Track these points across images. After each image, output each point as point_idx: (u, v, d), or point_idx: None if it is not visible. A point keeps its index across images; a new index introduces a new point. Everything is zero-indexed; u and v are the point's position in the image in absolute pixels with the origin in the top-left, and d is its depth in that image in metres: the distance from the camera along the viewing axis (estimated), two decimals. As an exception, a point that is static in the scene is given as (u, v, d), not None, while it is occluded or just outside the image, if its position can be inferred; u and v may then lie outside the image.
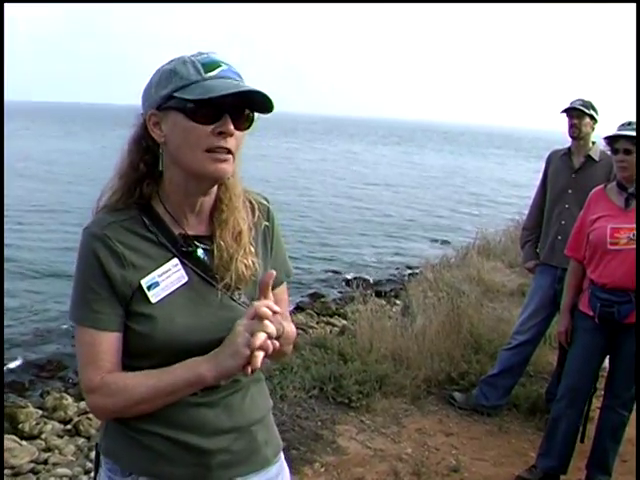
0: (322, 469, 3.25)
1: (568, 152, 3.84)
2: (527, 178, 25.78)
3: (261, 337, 1.18)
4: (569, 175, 3.79)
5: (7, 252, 11.65)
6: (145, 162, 1.30)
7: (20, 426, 5.48)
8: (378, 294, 8.15)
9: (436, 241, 16.73)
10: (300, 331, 7.05)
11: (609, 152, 3.15)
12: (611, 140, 3.00)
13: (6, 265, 10.68)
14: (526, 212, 4.36)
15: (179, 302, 1.28)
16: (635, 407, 3.06)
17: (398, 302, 8.07)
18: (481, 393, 4.01)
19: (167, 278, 1.28)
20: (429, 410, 4.02)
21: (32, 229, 15.38)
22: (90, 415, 5.40)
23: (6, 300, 8.75)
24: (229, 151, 1.23)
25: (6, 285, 9.51)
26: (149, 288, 1.26)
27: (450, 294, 5.55)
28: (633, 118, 2.99)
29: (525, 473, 3.26)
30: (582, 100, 3.74)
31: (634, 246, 2.82)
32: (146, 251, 1.29)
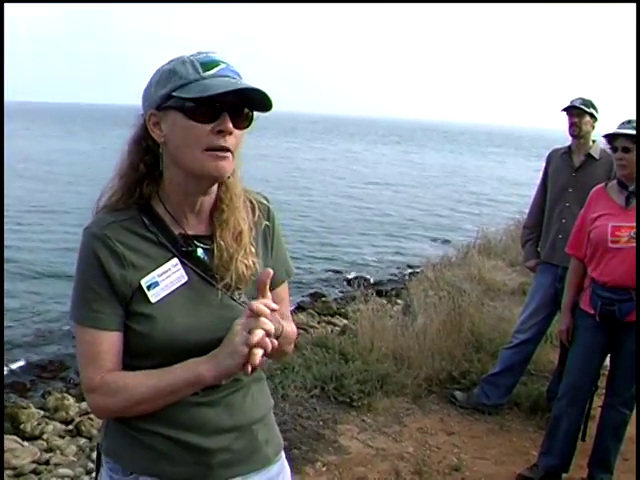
0: (324, 468, 3.26)
1: (568, 151, 3.84)
2: (527, 177, 25.78)
3: (258, 334, 1.18)
4: (569, 174, 3.78)
5: (7, 253, 11.66)
6: (145, 162, 1.30)
7: (22, 426, 5.49)
8: (379, 293, 8.14)
9: (437, 240, 16.75)
10: (301, 331, 7.05)
11: (609, 150, 3.15)
12: (610, 138, 3.01)
13: (6, 266, 10.68)
14: (527, 211, 4.36)
15: (179, 302, 1.28)
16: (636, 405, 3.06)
17: (399, 301, 8.06)
18: (482, 392, 4.01)
19: (167, 278, 1.28)
20: (430, 409, 4.02)
21: (32, 230, 15.39)
22: (91, 415, 5.40)
23: (7, 301, 8.75)
24: (228, 150, 1.24)
25: (6, 286, 9.52)
26: (149, 288, 1.26)
27: (451, 293, 5.55)
28: (633, 116, 2.99)
29: (526, 472, 3.26)
30: (582, 98, 3.74)
31: (635, 244, 2.82)
32: (146, 251, 1.29)
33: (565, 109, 3.75)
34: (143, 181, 1.30)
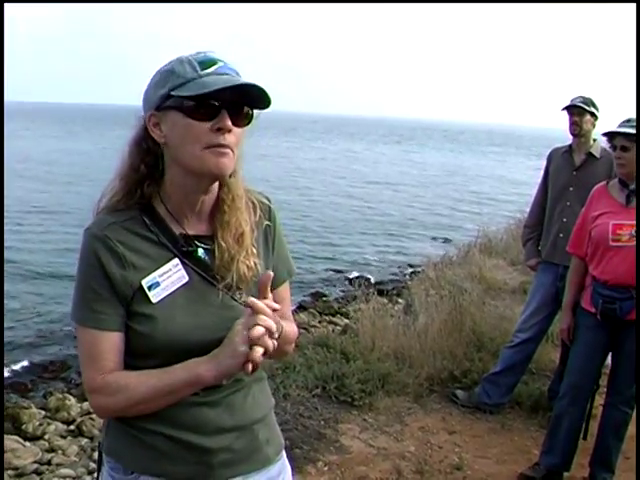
0: (325, 468, 3.26)
1: (569, 149, 3.84)
2: (528, 176, 25.77)
3: (259, 330, 1.18)
4: (570, 172, 3.78)
5: (7, 254, 11.66)
6: (146, 164, 1.30)
7: (23, 427, 5.49)
8: (380, 293, 8.14)
9: (437, 239, 16.75)
10: (302, 330, 7.05)
11: (610, 149, 3.15)
12: (609, 137, 3.01)
13: (7, 267, 10.69)
14: (527, 210, 4.36)
15: (179, 302, 1.28)
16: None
17: (400, 301, 8.06)
18: (484, 391, 4.01)
19: (168, 278, 1.28)
20: (432, 408, 4.02)
21: (32, 230, 15.38)
22: (93, 415, 5.41)
23: (7, 302, 8.76)
24: (228, 147, 1.24)
25: (7, 287, 9.52)
26: (150, 288, 1.26)
27: (452, 292, 5.54)
28: (634, 115, 2.99)
29: (528, 471, 3.26)
30: (583, 97, 3.74)
31: (636, 242, 2.81)
32: (146, 251, 1.29)
33: (566, 108, 3.75)
34: (144, 182, 1.30)
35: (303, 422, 3.61)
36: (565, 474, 3.20)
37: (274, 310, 1.22)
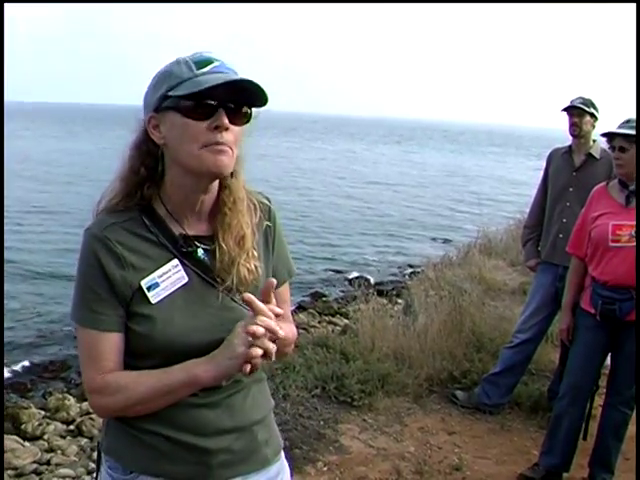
0: (325, 468, 3.26)
1: (569, 150, 3.84)
2: (527, 176, 25.75)
3: (258, 328, 1.18)
4: (570, 173, 3.79)
5: (7, 254, 11.65)
6: (146, 166, 1.30)
7: (23, 427, 5.49)
8: (380, 293, 8.14)
9: (437, 240, 16.75)
10: (302, 330, 7.05)
11: (609, 150, 3.16)
12: (608, 137, 3.02)
13: (6, 267, 10.69)
14: (527, 210, 4.36)
15: (179, 303, 1.28)
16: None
17: (400, 301, 8.06)
18: (483, 391, 4.01)
19: (167, 279, 1.28)
20: (431, 409, 4.02)
21: (32, 230, 15.37)
22: (93, 415, 5.41)
23: (7, 302, 8.76)
24: (226, 145, 1.24)
25: (7, 287, 9.51)
26: (149, 289, 1.26)
27: (452, 293, 5.55)
28: (633, 115, 2.99)
29: (528, 471, 3.26)
30: (582, 98, 3.74)
31: (635, 243, 2.82)
32: (146, 252, 1.29)
33: (565, 109, 3.75)
34: (144, 184, 1.31)
35: (303, 422, 3.61)
36: (565, 475, 3.20)
37: (277, 315, 1.22)
